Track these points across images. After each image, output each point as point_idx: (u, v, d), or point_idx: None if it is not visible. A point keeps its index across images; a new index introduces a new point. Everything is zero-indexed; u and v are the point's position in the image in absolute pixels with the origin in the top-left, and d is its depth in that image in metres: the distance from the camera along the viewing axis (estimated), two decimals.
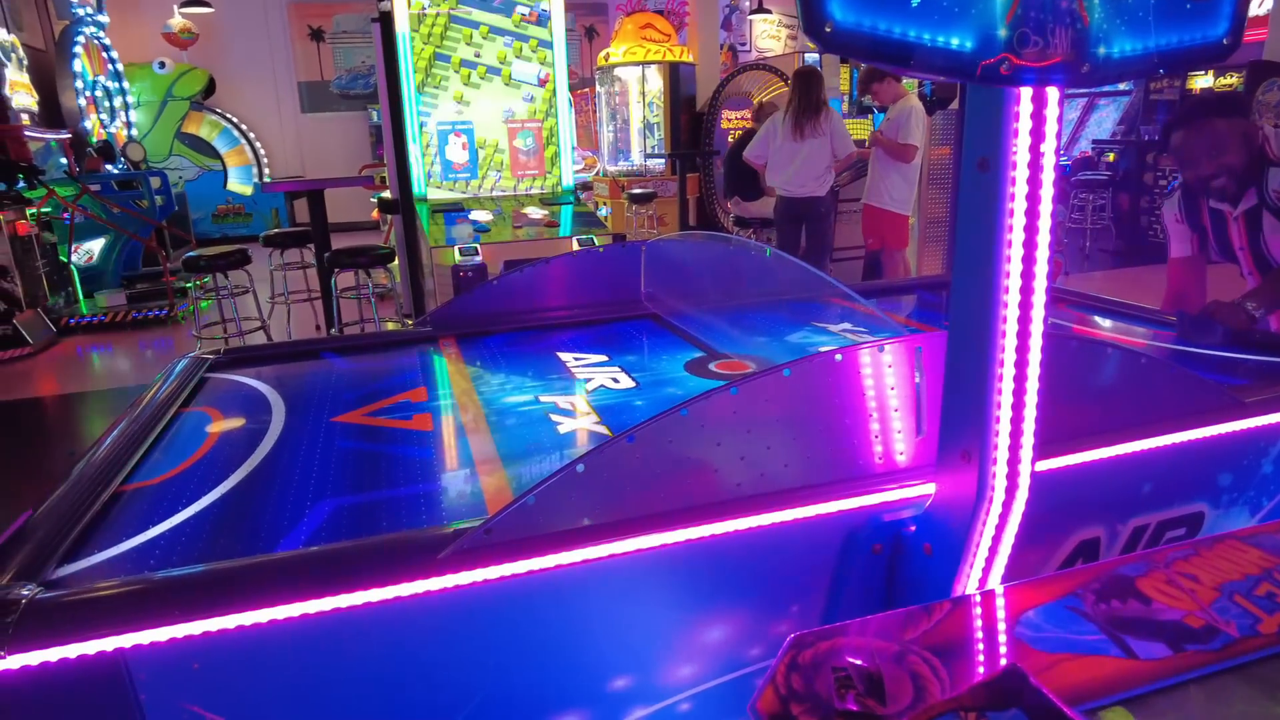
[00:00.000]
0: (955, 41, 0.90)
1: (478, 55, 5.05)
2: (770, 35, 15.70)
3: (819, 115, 5.02)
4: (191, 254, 4.82)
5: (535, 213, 5.10)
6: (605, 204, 9.78)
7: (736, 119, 9.90)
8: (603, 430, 1.52)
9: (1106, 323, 2.28)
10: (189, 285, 6.85)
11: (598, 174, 10.62)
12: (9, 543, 1.10)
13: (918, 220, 6.17)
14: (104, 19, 9.94)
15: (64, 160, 8.76)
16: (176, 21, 10.82)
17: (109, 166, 8.94)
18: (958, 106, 5.60)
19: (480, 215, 4.95)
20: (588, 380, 1.81)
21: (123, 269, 7.40)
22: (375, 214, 10.08)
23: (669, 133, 9.74)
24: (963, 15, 0.90)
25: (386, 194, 7.82)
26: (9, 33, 8.53)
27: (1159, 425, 1.36)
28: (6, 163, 6.14)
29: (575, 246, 4.69)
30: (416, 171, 5.05)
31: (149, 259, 7.44)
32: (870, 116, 8.99)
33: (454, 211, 5.04)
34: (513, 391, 1.77)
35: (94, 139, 9.46)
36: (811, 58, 8.55)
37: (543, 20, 5.08)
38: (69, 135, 9.13)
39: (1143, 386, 1.39)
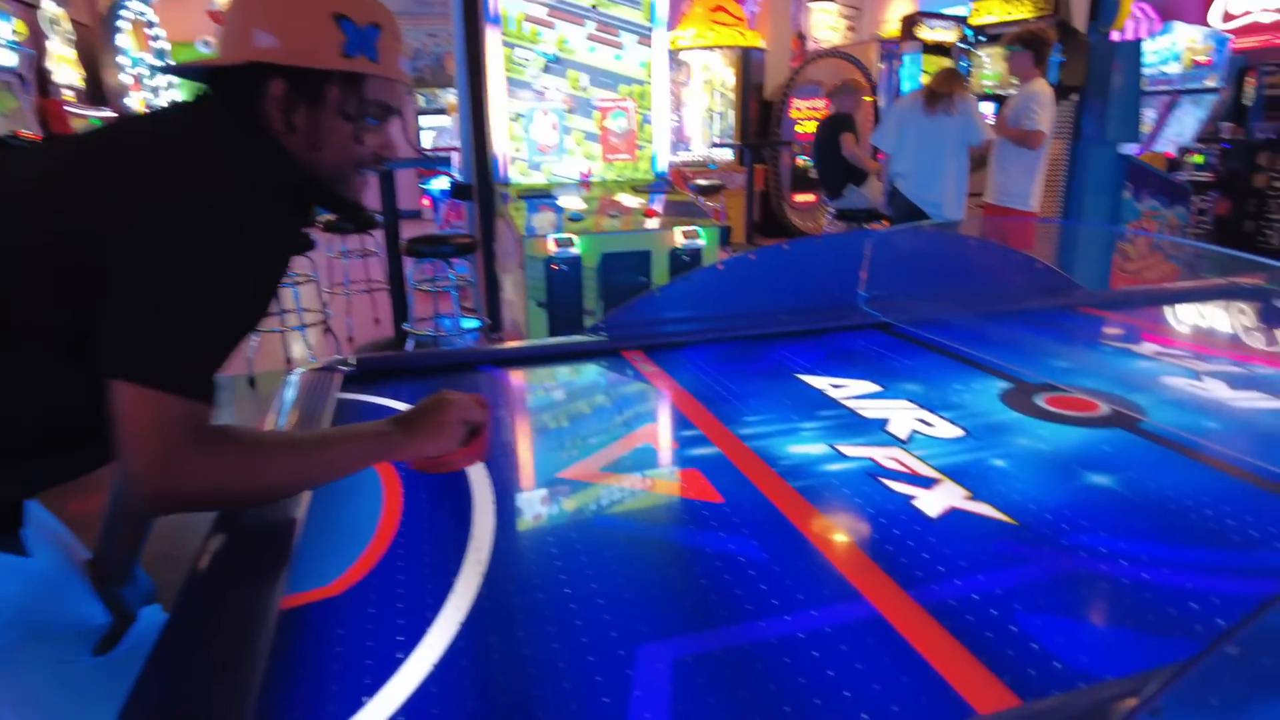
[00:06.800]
0: None
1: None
2: (829, 26, 15.08)
3: (952, 96, 4.48)
4: None
5: (629, 200, 4.59)
6: None
7: (807, 109, 9.35)
8: (988, 511, 0.99)
9: None
10: None
11: None
12: None
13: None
14: None
15: None
16: (223, 0, 10.44)
17: None
18: (1078, 98, 5.01)
19: (571, 202, 4.44)
20: (885, 421, 1.28)
21: None
22: (425, 201, 9.62)
23: (739, 122, 9.18)
24: None
25: (441, 179, 7.32)
26: (58, 6, 8.21)
27: None
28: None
29: (680, 239, 4.17)
30: (500, 154, 4.54)
31: None
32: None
33: (538, 198, 4.52)
34: (790, 437, 1.23)
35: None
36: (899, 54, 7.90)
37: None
38: (112, 113, 8.76)
39: None
